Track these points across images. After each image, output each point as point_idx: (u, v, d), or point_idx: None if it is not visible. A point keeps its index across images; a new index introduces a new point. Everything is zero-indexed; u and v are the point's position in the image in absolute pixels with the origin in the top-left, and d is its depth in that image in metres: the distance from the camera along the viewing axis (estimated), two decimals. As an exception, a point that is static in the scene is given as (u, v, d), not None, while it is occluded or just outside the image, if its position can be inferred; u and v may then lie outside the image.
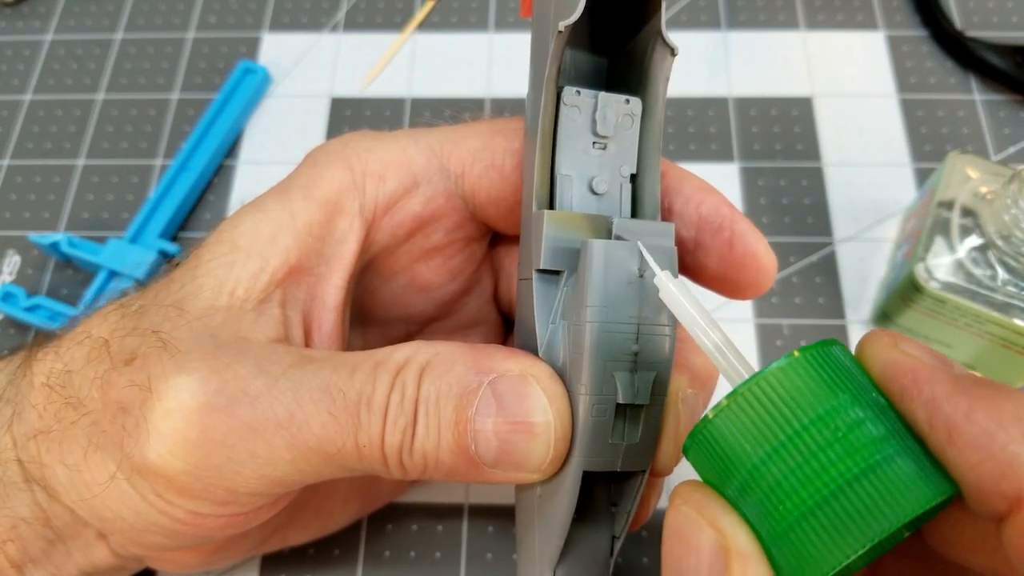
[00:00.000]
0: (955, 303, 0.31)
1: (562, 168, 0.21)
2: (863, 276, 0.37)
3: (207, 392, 0.20)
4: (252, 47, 0.45)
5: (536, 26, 0.21)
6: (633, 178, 0.22)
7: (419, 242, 0.25)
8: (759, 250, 0.22)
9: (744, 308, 0.37)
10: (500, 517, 0.33)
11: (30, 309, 0.37)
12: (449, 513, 0.33)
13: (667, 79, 0.21)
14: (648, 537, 0.32)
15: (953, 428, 0.15)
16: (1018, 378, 0.33)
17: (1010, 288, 0.30)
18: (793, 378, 0.16)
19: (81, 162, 0.42)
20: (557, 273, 0.20)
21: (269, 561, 0.32)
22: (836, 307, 0.37)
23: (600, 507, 0.21)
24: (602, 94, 0.21)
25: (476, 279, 0.27)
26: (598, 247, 0.19)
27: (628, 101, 0.21)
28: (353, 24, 0.45)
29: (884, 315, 0.35)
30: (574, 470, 0.19)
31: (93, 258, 0.37)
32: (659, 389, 0.19)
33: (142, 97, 0.44)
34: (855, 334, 0.36)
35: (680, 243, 0.22)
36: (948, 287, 0.31)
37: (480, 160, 0.24)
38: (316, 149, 0.24)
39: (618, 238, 0.20)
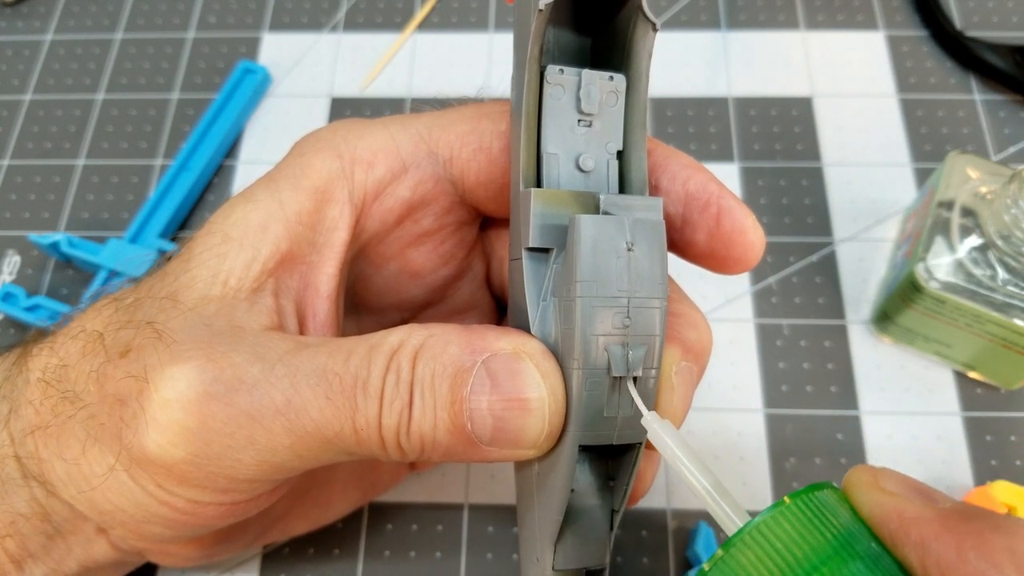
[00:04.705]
0: (955, 303, 0.31)
1: (548, 147, 0.21)
2: (863, 276, 0.37)
3: (204, 381, 0.20)
4: (252, 47, 0.45)
5: (519, 6, 0.21)
6: (620, 155, 0.22)
7: (409, 228, 0.25)
8: (747, 225, 0.22)
9: (744, 308, 0.37)
10: (500, 517, 0.33)
11: (30, 309, 0.37)
12: (449, 513, 0.33)
13: (650, 55, 0.21)
14: (648, 537, 0.32)
15: (946, 570, 0.15)
16: (1018, 378, 0.33)
17: (1010, 288, 0.30)
18: (785, 527, 0.16)
19: (81, 162, 0.42)
20: (546, 251, 0.20)
21: (269, 560, 0.32)
22: (836, 307, 0.37)
23: (598, 482, 0.22)
24: (585, 71, 0.21)
25: (468, 264, 0.27)
26: (586, 222, 0.19)
27: (612, 78, 0.21)
28: (353, 24, 0.45)
29: (884, 315, 0.35)
30: (570, 445, 0.19)
31: (93, 258, 0.37)
32: (651, 362, 0.19)
33: (142, 97, 0.44)
34: (855, 334, 0.36)
35: (668, 220, 0.22)
36: (948, 287, 0.31)
37: (468, 143, 0.24)
38: (304, 138, 0.24)
39: (606, 213, 0.20)
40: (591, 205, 0.20)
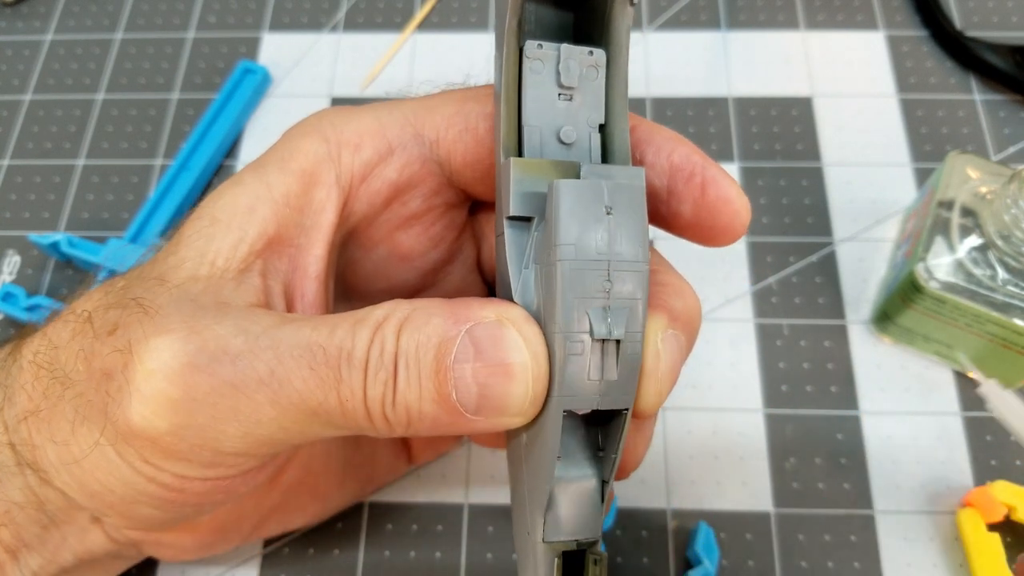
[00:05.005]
0: (955, 303, 0.31)
1: (529, 119, 0.21)
2: (863, 276, 0.37)
3: (188, 352, 0.20)
4: (252, 47, 0.45)
5: None
6: (602, 128, 0.22)
7: (397, 210, 0.25)
8: (731, 194, 0.22)
9: (744, 308, 0.37)
10: (500, 517, 0.33)
11: (30, 309, 0.37)
12: (449, 513, 0.33)
13: (628, 29, 0.21)
14: (648, 537, 0.32)
15: None
16: (1018, 378, 0.33)
17: (1010, 288, 0.30)
18: None
19: (81, 162, 0.42)
20: (528, 220, 0.20)
21: (269, 560, 0.32)
22: (836, 307, 0.37)
23: (588, 453, 0.22)
24: (564, 46, 0.21)
25: (458, 247, 0.27)
26: (564, 186, 0.19)
27: (592, 53, 0.21)
28: (353, 24, 0.45)
29: (884, 315, 0.35)
30: (555, 410, 0.19)
31: (93, 258, 0.37)
32: (635, 325, 0.19)
33: (142, 97, 0.44)
34: (855, 334, 0.36)
35: (653, 192, 0.23)
36: (948, 287, 0.31)
37: (454, 125, 0.24)
38: (293, 125, 0.25)
39: None
40: (572, 173, 0.20)
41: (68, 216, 0.41)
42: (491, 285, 0.29)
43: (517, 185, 0.20)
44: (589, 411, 0.20)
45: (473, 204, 0.27)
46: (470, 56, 0.44)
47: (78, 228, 0.40)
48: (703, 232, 0.23)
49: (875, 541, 0.32)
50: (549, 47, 0.21)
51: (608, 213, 0.19)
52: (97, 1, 0.47)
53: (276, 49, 0.45)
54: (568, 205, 0.19)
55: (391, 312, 0.20)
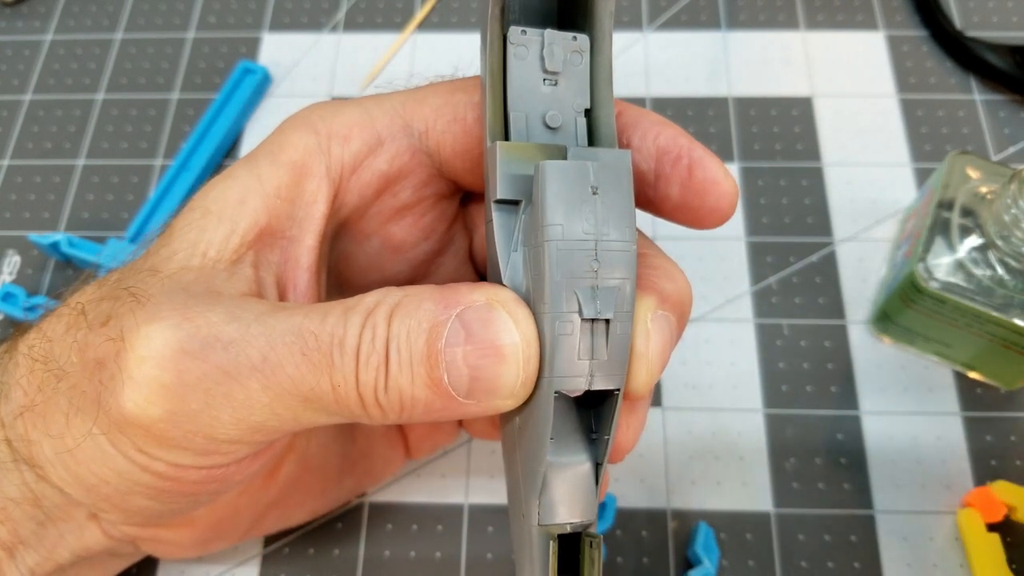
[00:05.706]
0: (955, 303, 0.31)
1: (515, 105, 0.21)
2: (863, 276, 0.37)
3: (180, 338, 0.20)
4: (252, 47, 0.45)
5: None
6: (587, 113, 0.22)
7: (388, 201, 0.25)
8: (718, 175, 0.22)
9: (744, 308, 0.37)
10: (500, 517, 0.33)
11: (30, 309, 0.37)
12: (449, 513, 0.33)
13: (611, 14, 0.21)
14: (648, 537, 0.32)
15: None
16: (1018, 378, 0.33)
17: (1010, 288, 0.30)
18: None
19: (81, 162, 0.42)
20: (516, 203, 0.21)
21: (269, 560, 0.32)
22: (836, 307, 0.37)
23: (582, 436, 0.22)
24: (548, 31, 0.21)
25: (449, 238, 0.27)
26: (550, 167, 0.19)
27: (575, 38, 0.22)
28: (353, 24, 0.45)
29: (884, 315, 0.35)
30: (546, 391, 0.19)
31: (93, 258, 0.37)
32: (623, 305, 0.19)
33: (142, 97, 0.44)
34: (855, 334, 0.36)
35: (641, 176, 0.23)
36: (948, 287, 0.31)
37: (442, 115, 0.24)
38: (284, 120, 0.25)
39: None
40: (558, 156, 0.21)
41: (68, 216, 0.41)
42: (483, 276, 0.29)
43: (504, 168, 0.20)
44: (581, 393, 0.20)
45: (464, 195, 0.27)
46: (470, 56, 0.44)
47: (78, 228, 0.40)
48: (691, 214, 0.23)
49: (875, 541, 0.32)
50: (533, 33, 0.21)
51: (594, 193, 0.19)
52: (97, 1, 0.47)
53: (276, 49, 0.45)
54: (555, 186, 0.19)
55: (382, 299, 0.20)
